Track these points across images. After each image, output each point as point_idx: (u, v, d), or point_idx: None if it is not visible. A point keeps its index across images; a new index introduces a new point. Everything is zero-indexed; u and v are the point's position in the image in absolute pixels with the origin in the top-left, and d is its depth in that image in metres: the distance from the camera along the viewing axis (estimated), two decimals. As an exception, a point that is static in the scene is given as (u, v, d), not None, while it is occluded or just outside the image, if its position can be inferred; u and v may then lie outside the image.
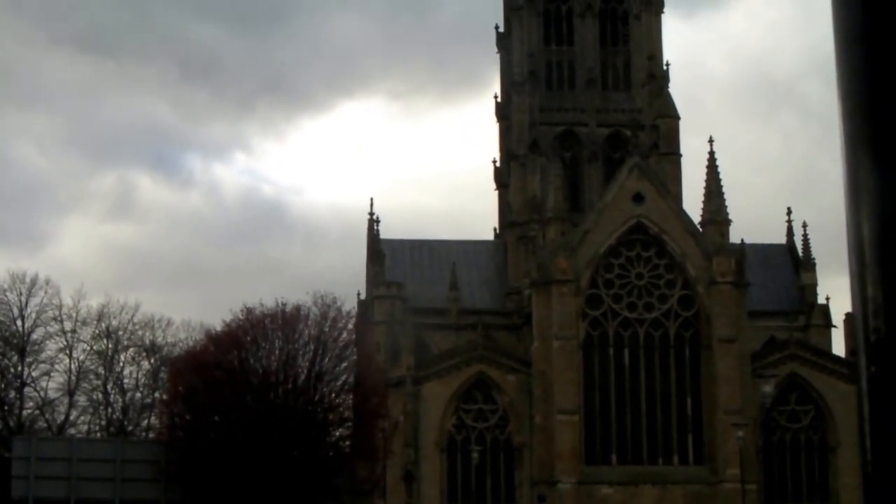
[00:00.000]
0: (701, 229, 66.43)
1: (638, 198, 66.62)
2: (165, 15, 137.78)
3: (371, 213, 77.18)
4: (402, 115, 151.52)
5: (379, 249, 75.43)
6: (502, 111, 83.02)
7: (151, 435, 64.27)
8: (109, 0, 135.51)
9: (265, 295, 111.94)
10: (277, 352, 52.25)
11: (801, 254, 77.06)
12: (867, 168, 2.04)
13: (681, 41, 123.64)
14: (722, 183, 67.22)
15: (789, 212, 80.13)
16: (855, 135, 2.07)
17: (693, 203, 69.20)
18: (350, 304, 63.09)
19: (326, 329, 52.82)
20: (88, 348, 70.56)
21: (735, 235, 67.41)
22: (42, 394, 69.33)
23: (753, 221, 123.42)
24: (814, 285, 75.78)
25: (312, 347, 52.34)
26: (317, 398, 52.14)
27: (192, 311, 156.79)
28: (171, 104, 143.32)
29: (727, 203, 66.76)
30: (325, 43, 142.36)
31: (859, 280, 2.03)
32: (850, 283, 2.07)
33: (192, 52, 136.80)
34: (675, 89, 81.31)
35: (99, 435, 67.07)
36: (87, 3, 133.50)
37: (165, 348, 71.26)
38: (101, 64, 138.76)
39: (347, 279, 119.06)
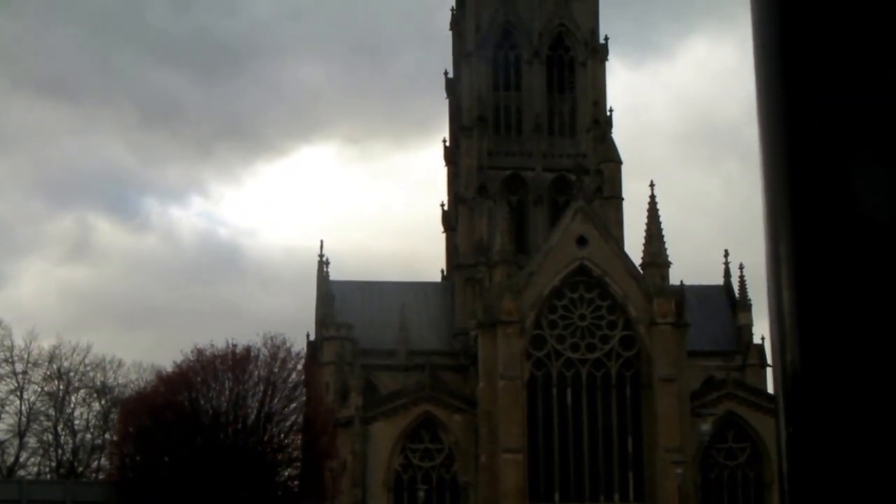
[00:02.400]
0: (642, 271, 68.35)
1: (582, 241, 68.40)
2: (125, 59, 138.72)
3: (321, 255, 78.28)
4: (357, 160, 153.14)
5: (328, 291, 76.52)
6: (451, 155, 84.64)
7: (102, 476, 64.68)
8: (69, 44, 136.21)
9: (219, 336, 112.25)
10: (227, 392, 53.14)
11: (737, 295, 79.34)
12: (786, 233, 2.10)
13: (627, 88, 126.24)
14: (662, 226, 69.32)
15: (727, 254, 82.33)
16: (774, 205, 2.11)
17: (635, 246, 71.13)
18: (300, 345, 64.39)
19: (276, 370, 53.83)
20: (39, 390, 70.94)
21: (675, 277, 69.53)
22: (-8, 435, 69.52)
23: (693, 264, 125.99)
24: (749, 325, 77.99)
25: (262, 388, 53.33)
26: (266, 438, 53.07)
27: (148, 352, 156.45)
28: (129, 147, 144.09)
29: (667, 246, 68.88)
30: (283, 89, 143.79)
31: (779, 345, 2.10)
32: (771, 347, 2.16)
33: (151, 97, 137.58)
34: (619, 135, 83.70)
35: (49, 477, 67.27)
36: (46, 47, 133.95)
37: (116, 389, 71.74)
38: (59, 107, 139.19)
39: (300, 320, 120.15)
